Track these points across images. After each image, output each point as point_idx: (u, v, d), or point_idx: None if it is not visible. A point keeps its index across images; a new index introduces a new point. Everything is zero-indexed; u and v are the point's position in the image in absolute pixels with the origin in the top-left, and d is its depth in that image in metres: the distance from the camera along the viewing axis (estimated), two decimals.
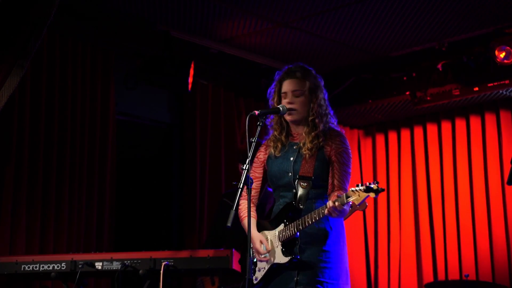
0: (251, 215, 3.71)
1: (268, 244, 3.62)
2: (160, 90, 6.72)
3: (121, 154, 6.28)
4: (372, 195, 3.26)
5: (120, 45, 6.24)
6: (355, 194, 3.29)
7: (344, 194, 3.32)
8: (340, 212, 3.37)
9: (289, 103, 3.68)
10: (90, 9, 5.78)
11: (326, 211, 3.39)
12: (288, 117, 3.71)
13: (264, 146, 3.84)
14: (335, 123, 3.80)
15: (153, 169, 6.92)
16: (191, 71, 6.19)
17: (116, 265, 4.48)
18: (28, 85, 5.53)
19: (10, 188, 5.37)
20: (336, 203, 3.34)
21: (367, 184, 3.28)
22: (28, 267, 4.58)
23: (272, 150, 3.77)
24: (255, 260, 3.68)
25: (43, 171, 5.58)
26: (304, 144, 3.67)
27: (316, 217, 3.45)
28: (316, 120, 3.67)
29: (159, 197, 6.87)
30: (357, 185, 3.30)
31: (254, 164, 3.84)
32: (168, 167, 6.91)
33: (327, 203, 3.38)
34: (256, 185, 3.83)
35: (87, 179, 5.87)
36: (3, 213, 5.33)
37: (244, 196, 3.67)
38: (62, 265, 4.54)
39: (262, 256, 3.61)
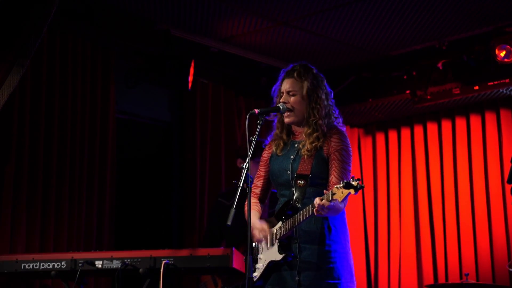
0: (256, 209, 3.75)
1: (267, 231, 3.63)
2: (160, 89, 6.72)
3: (121, 153, 6.28)
4: (352, 191, 3.22)
5: (120, 43, 6.24)
6: (339, 191, 3.27)
7: (330, 191, 3.30)
8: (328, 210, 3.33)
9: (283, 102, 3.68)
10: (90, 8, 5.78)
11: (314, 211, 3.36)
12: (285, 119, 3.71)
13: (269, 145, 3.86)
14: (340, 123, 3.79)
15: (153, 168, 6.92)
16: (191, 70, 6.19)
17: (116, 264, 4.48)
18: (28, 84, 5.53)
19: (10, 187, 5.37)
20: (323, 201, 3.31)
21: (347, 180, 3.25)
22: (28, 266, 4.58)
23: (274, 149, 3.78)
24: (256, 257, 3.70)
25: (43, 170, 5.58)
26: (304, 145, 3.66)
27: (306, 214, 3.44)
28: (319, 122, 3.66)
29: (159, 195, 6.87)
30: (341, 182, 3.29)
31: (260, 163, 3.87)
32: (168, 166, 6.91)
33: (314, 201, 3.36)
34: (260, 183, 3.86)
35: (87, 177, 5.87)
36: (3, 212, 5.34)
37: (252, 193, 3.77)
38: (62, 263, 4.54)
39: (256, 239, 3.63)
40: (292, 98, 3.68)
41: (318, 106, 3.67)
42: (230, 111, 7.12)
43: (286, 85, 3.71)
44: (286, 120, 3.70)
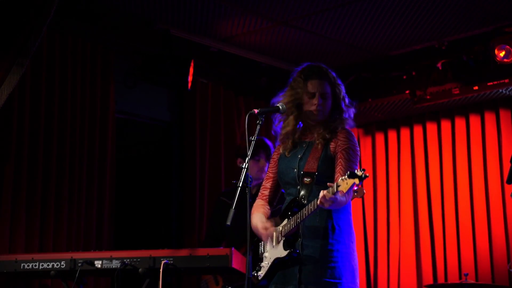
0: (262, 211, 3.76)
1: (272, 228, 3.65)
2: (160, 89, 6.72)
3: (121, 152, 6.28)
4: (356, 181, 3.24)
5: (119, 43, 6.24)
6: (344, 182, 3.28)
7: (335, 183, 3.32)
8: (332, 202, 3.35)
9: (319, 104, 3.70)
10: (90, 8, 5.78)
11: (318, 202, 3.38)
12: (312, 117, 3.72)
13: (279, 146, 3.88)
14: (351, 125, 3.83)
15: (152, 168, 6.92)
16: (191, 70, 6.19)
17: (115, 264, 4.48)
18: (27, 84, 5.53)
19: (9, 186, 5.37)
20: (325, 193, 3.34)
21: (352, 170, 3.29)
22: (28, 266, 4.58)
23: (282, 150, 3.81)
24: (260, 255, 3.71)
25: (42, 170, 5.58)
26: (314, 141, 3.70)
27: (311, 208, 3.45)
28: (331, 120, 3.72)
29: (159, 195, 6.87)
30: (346, 173, 3.31)
31: (269, 164, 3.91)
32: (168, 166, 6.91)
33: (320, 194, 3.38)
34: (269, 184, 3.88)
35: (86, 177, 5.87)
36: (3, 212, 5.33)
37: (261, 195, 3.85)
38: (62, 263, 4.54)
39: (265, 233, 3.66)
40: (326, 101, 3.73)
41: (339, 109, 3.79)
42: (229, 111, 7.12)
43: (319, 87, 3.73)
44: (313, 118, 3.72)
